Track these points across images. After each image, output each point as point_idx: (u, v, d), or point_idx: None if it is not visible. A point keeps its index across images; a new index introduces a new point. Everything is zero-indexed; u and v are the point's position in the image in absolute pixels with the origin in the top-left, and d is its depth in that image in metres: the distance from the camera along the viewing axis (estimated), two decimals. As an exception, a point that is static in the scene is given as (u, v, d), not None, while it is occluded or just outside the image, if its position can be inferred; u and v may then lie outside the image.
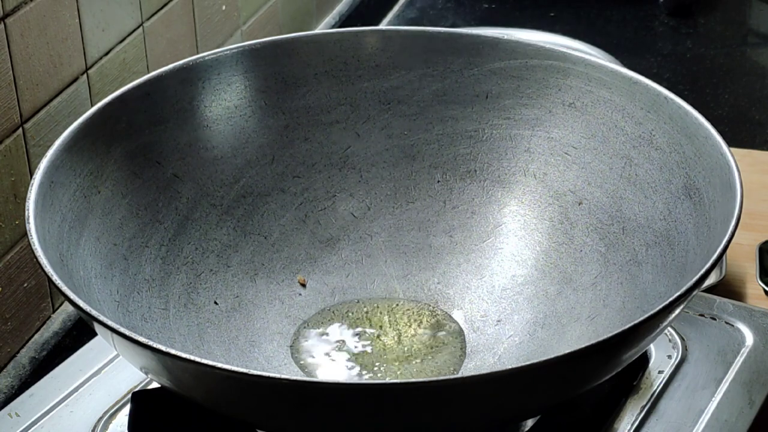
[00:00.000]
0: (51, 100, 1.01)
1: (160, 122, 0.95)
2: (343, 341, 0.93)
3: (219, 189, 0.97)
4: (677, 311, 0.76)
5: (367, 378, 0.89)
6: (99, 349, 0.93)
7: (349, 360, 0.91)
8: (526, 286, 0.95)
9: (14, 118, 0.96)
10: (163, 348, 0.71)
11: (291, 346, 0.93)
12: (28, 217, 0.80)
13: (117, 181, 0.91)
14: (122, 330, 0.72)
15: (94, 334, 0.91)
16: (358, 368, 0.90)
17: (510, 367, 0.71)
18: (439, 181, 1.00)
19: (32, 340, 1.03)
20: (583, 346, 0.71)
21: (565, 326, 0.91)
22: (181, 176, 0.95)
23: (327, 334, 0.93)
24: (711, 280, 1.06)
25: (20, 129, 0.97)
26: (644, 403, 0.87)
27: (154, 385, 0.88)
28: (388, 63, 1.01)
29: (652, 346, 0.91)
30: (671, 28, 1.67)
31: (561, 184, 0.97)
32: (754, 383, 0.89)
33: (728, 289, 1.08)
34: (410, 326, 0.94)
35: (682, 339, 0.93)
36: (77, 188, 0.87)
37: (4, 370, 1.00)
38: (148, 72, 1.11)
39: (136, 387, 0.89)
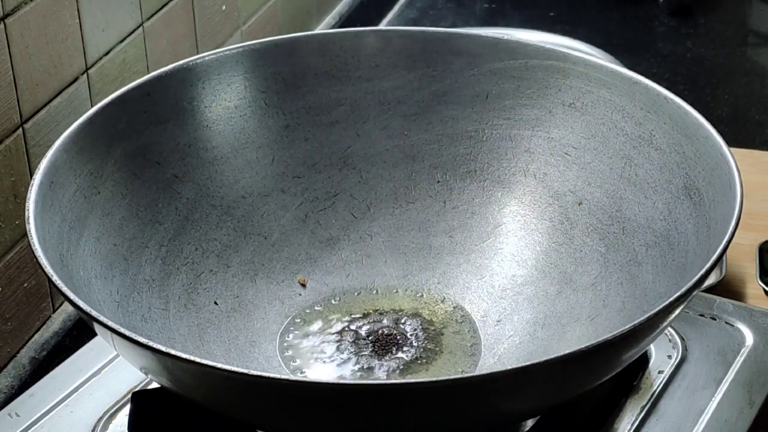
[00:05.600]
0: (51, 100, 1.01)
1: (160, 122, 0.95)
2: (343, 341, 0.92)
3: (219, 189, 0.97)
4: (677, 311, 0.76)
5: (367, 378, 0.89)
6: (99, 349, 0.93)
7: (349, 360, 0.91)
8: (526, 286, 0.95)
9: (14, 118, 0.96)
10: (163, 348, 0.71)
11: (291, 346, 0.93)
12: (28, 217, 0.80)
13: (117, 182, 0.91)
14: (122, 330, 0.72)
15: (94, 334, 0.91)
16: (358, 368, 0.90)
17: (510, 367, 0.71)
18: (439, 181, 1.00)
19: (32, 340, 1.03)
20: (583, 346, 0.71)
21: (565, 326, 0.91)
22: (181, 176, 0.95)
23: (327, 335, 0.93)
24: (711, 280, 1.06)
25: (20, 129, 0.97)
26: (644, 403, 0.87)
27: (154, 385, 0.88)
28: (388, 63, 1.01)
29: (652, 346, 0.91)
30: (671, 28, 1.67)
31: (561, 184, 0.97)
32: (754, 383, 0.89)
33: (728, 289, 1.08)
34: (410, 326, 0.94)
35: (682, 339, 0.93)
36: (77, 188, 0.87)
37: (4, 370, 1.00)
38: (148, 72, 1.11)
39: (136, 387, 0.89)
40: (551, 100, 0.98)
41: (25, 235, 0.82)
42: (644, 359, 0.90)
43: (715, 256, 0.77)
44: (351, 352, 0.91)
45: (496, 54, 0.99)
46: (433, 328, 0.94)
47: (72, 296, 0.74)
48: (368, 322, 0.94)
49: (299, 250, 0.98)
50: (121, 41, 1.10)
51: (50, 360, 1.01)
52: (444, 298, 0.97)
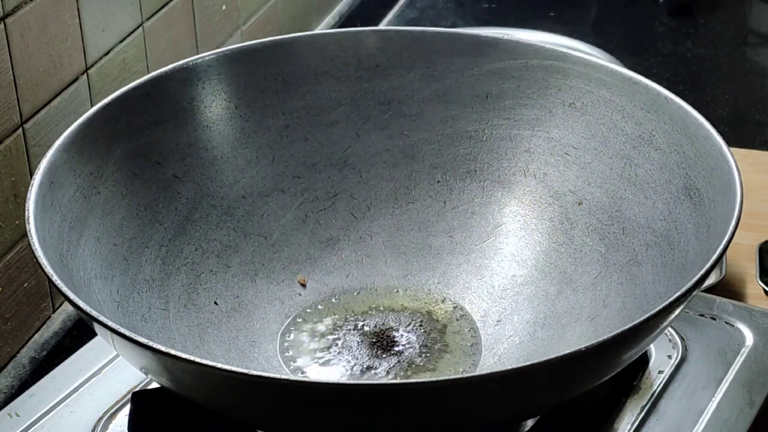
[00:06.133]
0: (51, 100, 1.01)
1: (160, 122, 0.95)
2: (344, 341, 0.93)
3: (219, 189, 0.97)
4: (677, 311, 0.76)
5: (367, 378, 0.89)
6: (99, 349, 0.93)
7: (349, 360, 0.91)
8: (526, 286, 0.95)
9: (14, 118, 0.96)
10: (163, 348, 0.71)
11: (291, 346, 0.93)
12: (28, 217, 0.80)
13: (117, 182, 0.91)
14: (122, 330, 0.72)
15: (94, 334, 0.91)
16: (358, 368, 0.90)
17: (510, 367, 0.71)
18: (439, 181, 1.00)
19: (32, 340, 1.03)
20: (583, 346, 0.71)
21: (565, 326, 0.91)
22: (181, 177, 0.95)
23: (327, 334, 0.93)
24: (711, 280, 1.06)
25: (20, 129, 0.97)
26: (644, 403, 0.87)
27: (154, 385, 0.88)
28: (388, 63, 1.01)
29: (652, 346, 0.91)
30: (671, 28, 1.67)
31: (561, 184, 0.97)
32: (754, 383, 0.89)
33: (728, 289, 1.08)
34: (410, 326, 0.94)
35: (682, 339, 0.93)
36: (77, 188, 0.87)
37: (4, 370, 1.00)
38: (148, 72, 1.11)
39: (136, 387, 0.89)
40: (551, 100, 0.98)
41: (25, 235, 0.82)
42: (644, 359, 0.90)
43: (715, 256, 0.77)
44: (351, 352, 0.91)
45: (496, 54, 0.99)
46: (433, 328, 0.94)
47: (72, 296, 0.74)
48: (368, 322, 0.94)
49: (299, 250, 0.98)
50: (121, 41, 1.10)
51: (50, 360, 1.01)
52: (444, 298, 0.97)
